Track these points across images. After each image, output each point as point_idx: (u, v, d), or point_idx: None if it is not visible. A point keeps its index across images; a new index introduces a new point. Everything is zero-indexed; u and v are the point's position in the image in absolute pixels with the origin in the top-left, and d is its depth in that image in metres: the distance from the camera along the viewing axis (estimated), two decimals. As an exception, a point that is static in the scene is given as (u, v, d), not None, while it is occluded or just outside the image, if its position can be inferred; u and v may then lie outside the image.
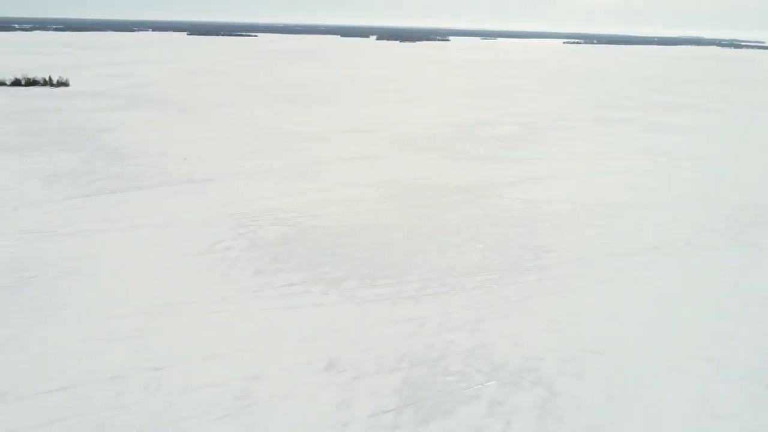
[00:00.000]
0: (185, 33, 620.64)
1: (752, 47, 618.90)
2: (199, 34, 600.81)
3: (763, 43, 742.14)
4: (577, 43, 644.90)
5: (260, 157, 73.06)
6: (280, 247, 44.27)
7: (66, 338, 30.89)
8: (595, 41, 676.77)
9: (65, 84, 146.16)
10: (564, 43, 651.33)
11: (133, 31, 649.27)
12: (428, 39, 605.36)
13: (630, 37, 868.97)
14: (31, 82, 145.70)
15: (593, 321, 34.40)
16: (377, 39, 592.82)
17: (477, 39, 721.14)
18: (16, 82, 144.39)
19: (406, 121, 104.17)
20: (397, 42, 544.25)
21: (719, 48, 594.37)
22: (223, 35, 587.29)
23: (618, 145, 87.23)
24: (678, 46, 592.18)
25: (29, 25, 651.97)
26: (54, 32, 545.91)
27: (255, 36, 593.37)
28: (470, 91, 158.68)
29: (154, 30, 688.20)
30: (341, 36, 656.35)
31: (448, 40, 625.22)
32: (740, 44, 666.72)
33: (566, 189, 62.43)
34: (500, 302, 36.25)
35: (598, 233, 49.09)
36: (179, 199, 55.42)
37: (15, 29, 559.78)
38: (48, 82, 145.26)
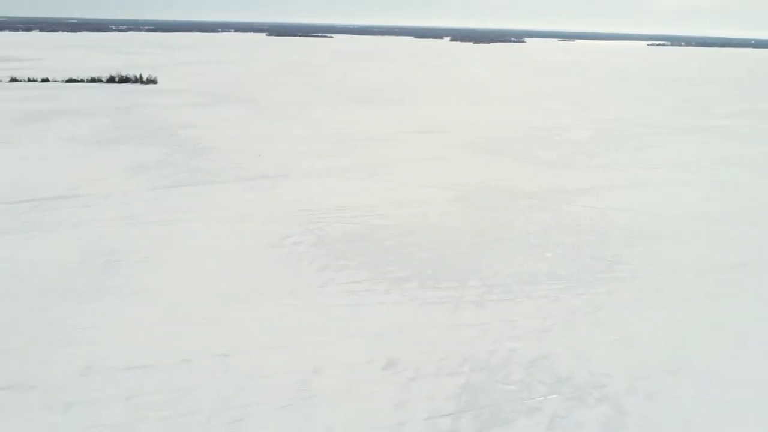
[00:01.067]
0: (264, 34, 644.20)
1: None
2: (278, 35, 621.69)
3: None
4: (663, 45, 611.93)
5: (331, 156, 74.58)
6: (346, 244, 44.98)
7: (143, 320, 32.84)
8: (683, 43, 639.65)
9: (154, 81, 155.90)
10: (648, 45, 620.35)
11: (217, 31, 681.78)
12: (503, 40, 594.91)
13: (723, 39, 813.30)
14: (124, 80, 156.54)
15: (669, 339, 32.45)
16: (451, 40, 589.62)
17: (555, 41, 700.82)
18: (111, 79, 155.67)
19: (477, 123, 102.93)
20: (471, 43, 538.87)
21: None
22: (300, 36, 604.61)
23: (706, 155, 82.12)
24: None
25: (124, 27, 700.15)
26: (146, 33, 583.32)
27: (330, 37, 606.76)
28: (546, 93, 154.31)
29: (236, 31, 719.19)
30: (415, 37, 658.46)
31: (524, 41, 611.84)
32: None
33: (645, 199, 59.28)
34: (567, 313, 35.01)
35: (678, 246, 46.30)
36: (252, 194, 57.55)
37: (111, 30, 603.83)
38: (138, 80, 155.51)
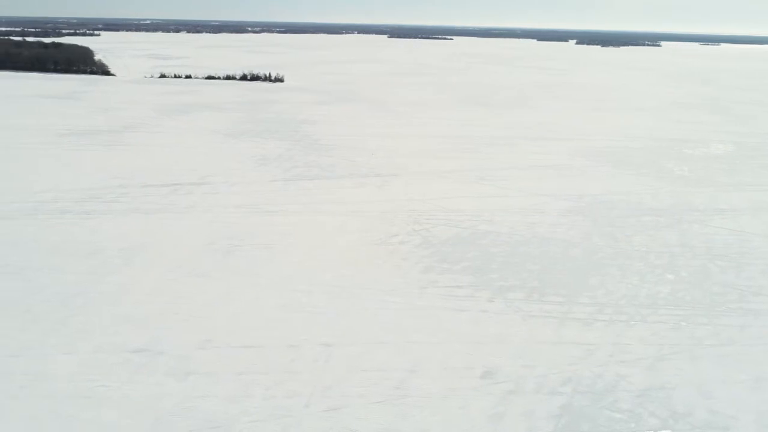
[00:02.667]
0: (386, 35, 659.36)
1: None
2: (398, 36, 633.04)
3: None
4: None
5: (444, 158, 74.57)
6: (451, 247, 44.75)
7: (257, 302, 35.19)
8: None
9: (281, 80, 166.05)
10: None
11: (341, 33, 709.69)
12: (635, 44, 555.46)
13: None
14: (255, 77, 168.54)
15: (812, 386, 28.59)
16: (576, 43, 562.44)
17: (695, 45, 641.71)
18: (244, 77, 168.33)
19: (600, 131, 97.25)
20: (598, 46, 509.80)
21: None
22: (420, 38, 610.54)
23: None
24: None
25: (259, 28, 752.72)
26: (277, 34, 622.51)
27: (451, 39, 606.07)
28: (680, 102, 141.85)
29: (359, 33, 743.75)
30: (537, 40, 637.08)
31: (658, 45, 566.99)
32: None
33: (793, 224, 52.74)
34: (689, 343, 32.01)
35: (832, 282, 40.55)
36: (363, 191, 59.24)
37: (248, 31, 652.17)
38: (267, 78, 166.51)
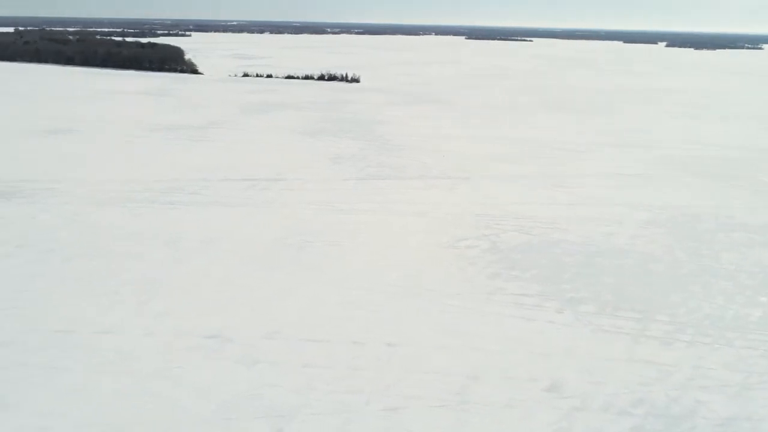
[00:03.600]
0: (463, 37, 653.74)
1: None
2: (476, 38, 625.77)
3: None
4: None
5: (517, 162, 72.88)
6: (521, 254, 43.60)
7: (325, 297, 35.89)
8: None
9: (357, 80, 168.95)
10: None
11: (418, 34, 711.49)
12: (733, 47, 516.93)
13: None
14: (332, 78, 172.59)
15: None
16: (667, 46, 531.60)
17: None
18: (321, 77, 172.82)
19: (690, 140, 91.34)
20: (691, 49, 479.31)
21: None
22: (499, 39, 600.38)
23: None
24: None
25: (338, 29, 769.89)
26: (355, 35, 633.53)
27: (530, 41, 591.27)
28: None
29: (436, 34, 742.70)
30: (624, 42, 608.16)
31: (760, 48, 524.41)
32: None
33: None
34: (781, 373, 29.51)
35: None
36: (433, 193, 59.02)
37: (327, 33, 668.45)
38: (344, 78, 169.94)
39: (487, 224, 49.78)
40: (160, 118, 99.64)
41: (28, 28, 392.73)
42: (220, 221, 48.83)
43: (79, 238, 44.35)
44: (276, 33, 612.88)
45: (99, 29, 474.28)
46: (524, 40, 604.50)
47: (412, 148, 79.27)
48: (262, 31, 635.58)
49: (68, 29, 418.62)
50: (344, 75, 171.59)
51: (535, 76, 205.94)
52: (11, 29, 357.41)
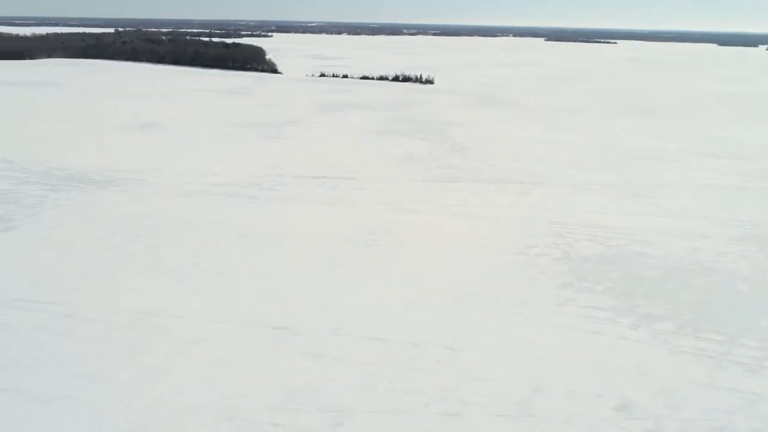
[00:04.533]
0: (543, 38, 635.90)
1: None
2: (557, 39, 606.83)
3: None
4: None
5: (594, 169, 70.07)
6: (595, 265, 41.82)
7: (388, 297, 36.11)
8: None
9: (431, 82, 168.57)
10: None
11: (496, 36, 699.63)
12: None
13: None
14: (406, 78, 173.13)
15: None
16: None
17: None
18: (396, 78, 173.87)
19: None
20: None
21: None
22: (580, 41, 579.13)
23: None
24: None
25: (414, 30, 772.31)
26: (432, 36, 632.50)
27: (614, 43, 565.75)
28: None
29: (514, 35, 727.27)
30: (718, 44, 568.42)
31: None
32: None
33: None
34: None
35: None
36: (504, 197, 57.79)
37: (403, 34, 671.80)
38: (418, 80, 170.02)
39: (560, 232, 48.15)
40: (241, 115, 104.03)
41: (127, 29, 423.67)
42: (291, 217, 50.26)
43: (163, 227, 47.18)
44: (353, 34, 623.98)
45: (189, 30, 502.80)
46: (608, 42, 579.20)
47: (484, 151, 78.13)
48: (340, 32, 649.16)
49: (162, 30, 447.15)
50: (418, 76, 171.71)
51: (616, 79, 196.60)
52: (112, 30, 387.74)
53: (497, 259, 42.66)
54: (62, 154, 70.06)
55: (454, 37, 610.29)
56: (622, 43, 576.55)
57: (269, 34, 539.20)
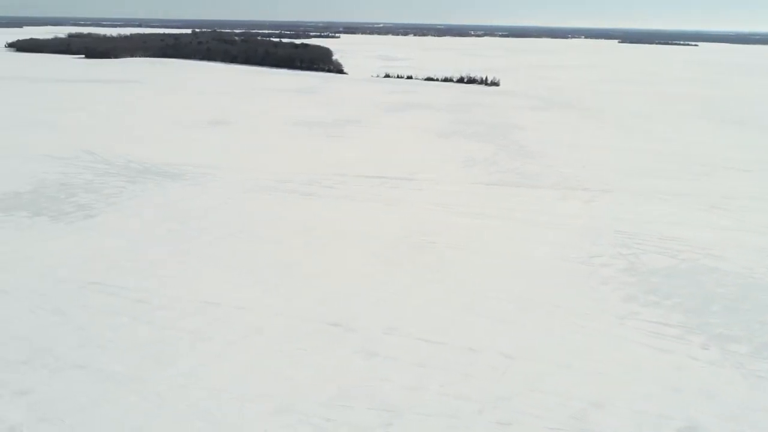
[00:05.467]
0: (616, 40, 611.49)
1: None
2: (631, 41, 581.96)
3: None
4: None
5: (667, 178, 66.53)
6: (663, 279, 39.72)
7: (442, 300, 35.83)
8: None
9: (496, 84, 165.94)
10: None
11: (567, 37, 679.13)
12: None
13: None
14: (471, 80, 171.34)
15: None
16: None
17: None
18: (460, 80, 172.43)
19: None
20: None
21: None
22: (657, 43, 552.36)
23: None
24: None
25: (481, 32, 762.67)
26: (499, 38, 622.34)
27: (694, 45, 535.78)
28: None
29: (586, 37, 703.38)
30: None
31: None
32: None
33: None
34: None
35: None
36: (568, 204, 56.00)
37: (470, 35, 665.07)
38: (483, 81, 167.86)
39: (627, 243, 46.11)
40: (305, 114, 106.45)
41: (203, 30, 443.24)
42: (350, 215, 50.89)
43: (228, 220, 49.06)
44: (420, 35, 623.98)
45: (261, 31, 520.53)
46: (687, 44, 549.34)
47: (548, 156, 76.03)
48: (406, 33, 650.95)
49: (235, 31, 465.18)
50: (483, 78, 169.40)
51: (696, 84, 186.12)
52: (189, 31, 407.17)
53: (559, 267, 41.32)
54: (140, 147, 74.17)
55: (523, 39, 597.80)
56: (703, 45, 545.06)
57: (336, 34, 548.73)
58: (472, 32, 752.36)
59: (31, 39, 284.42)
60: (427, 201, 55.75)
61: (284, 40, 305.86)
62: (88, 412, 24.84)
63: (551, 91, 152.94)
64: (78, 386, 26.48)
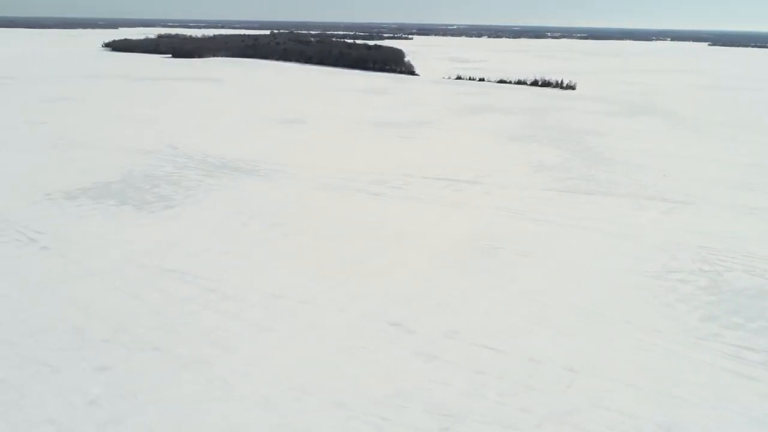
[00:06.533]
0: (706, 43, 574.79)
1: None
2: (723, 44, 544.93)
3: None
4: None
5: (754, 190, 61.62)
6: (748, 300, 36.81)
7: (506, 307, 34.99)
8: None
9: (572, 87, 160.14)
10: None
11: (651, 40, 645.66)
12: None
13: None
14: (546, 84, 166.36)
15: None
16: None
17: None
18: (534, 83, 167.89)
19: None
20: None
21: None
22: (752, 46, 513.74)
23: None
24: None
25: (558, 34, 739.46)
26: (578, 40, 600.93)
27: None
28: None
29: (672, 39, 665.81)
30: None
31: None
32: None
33: None
34: None
35: None
36: (645, 214, 53.18)
37: (547, 37, 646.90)
38: (558, 85, 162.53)
39: (708, 258, 43.15)
40: (376, 114, 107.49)
41: (281, 31, 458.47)
42: (415, 217, 50.82)
43: (298, 215, 50.41)
44: (494, 37, 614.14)
45: (335, 32, 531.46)
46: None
47: (625, 164, 72.47)
48: (480, 35, 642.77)
49: (311, 32, 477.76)
50: (559, 81, 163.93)
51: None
52: (268, 32, 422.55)
53: (632, 280, 39.31)
54: (217, 143, 77.83)
55: (603, 41, 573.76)
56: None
57: (409, 36, 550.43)
58: (549, 34, 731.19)
59: (125, 39, 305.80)
60: (496, 206, 54.53)
61: (358, 42, 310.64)
62: (159, 392, 26.33)
63: (632, 96, 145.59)
64: (151, 366, 28.15)
